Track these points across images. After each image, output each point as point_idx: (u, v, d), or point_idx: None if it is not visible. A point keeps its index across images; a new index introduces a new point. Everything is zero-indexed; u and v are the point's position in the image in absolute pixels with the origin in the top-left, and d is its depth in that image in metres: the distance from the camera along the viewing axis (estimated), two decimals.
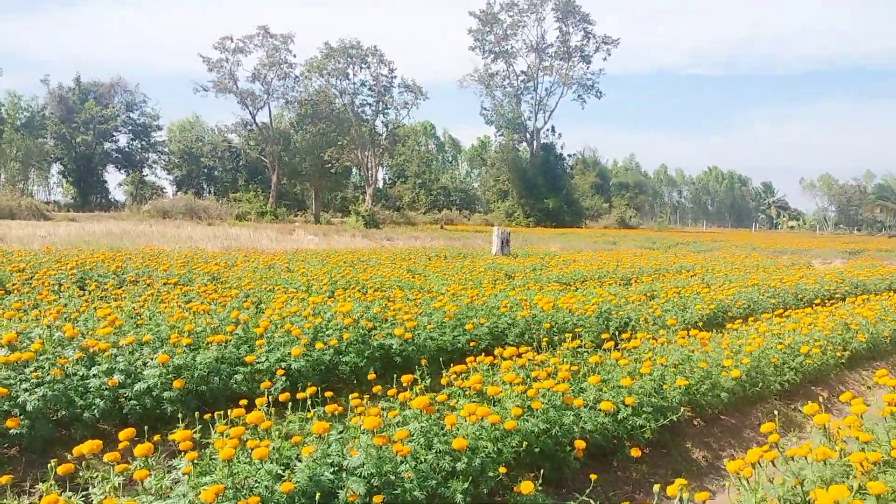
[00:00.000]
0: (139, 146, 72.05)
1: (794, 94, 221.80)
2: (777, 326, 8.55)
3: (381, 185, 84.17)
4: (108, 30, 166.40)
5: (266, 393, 4.68)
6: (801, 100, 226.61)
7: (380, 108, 61.53)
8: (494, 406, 4.59)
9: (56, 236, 22.74)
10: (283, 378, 5.53)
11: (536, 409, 4.50)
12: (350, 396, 4.71)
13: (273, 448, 3.82)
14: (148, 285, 10.01)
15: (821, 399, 8.59)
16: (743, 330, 8.54)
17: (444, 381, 5.26)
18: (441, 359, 7.00)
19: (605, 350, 6.48)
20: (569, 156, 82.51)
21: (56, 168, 74.78)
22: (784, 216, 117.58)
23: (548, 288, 12.83)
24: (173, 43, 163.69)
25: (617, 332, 9.23)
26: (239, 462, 3.59)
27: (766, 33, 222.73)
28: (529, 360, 5.47)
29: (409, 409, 4.37)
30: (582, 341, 6.94)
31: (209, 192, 72.68)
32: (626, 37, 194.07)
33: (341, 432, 4.13)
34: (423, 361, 6.18)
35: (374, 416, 3.97)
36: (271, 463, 3.62)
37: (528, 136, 76.29)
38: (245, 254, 18.10)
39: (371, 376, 5.68)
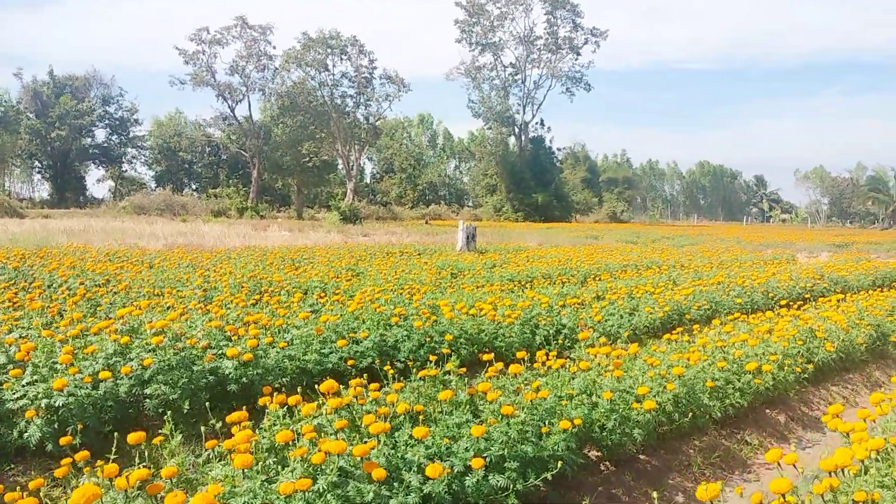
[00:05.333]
0: (117, 141, 70.39)
1: (789, 88, 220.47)
2: (724, 336, 7.17)
3: (368, 179, 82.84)
4: (84, 23, 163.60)
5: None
6: (795, 93, 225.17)
7: (361, 101, 60.09)
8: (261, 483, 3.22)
9: (6, 233, 21.60)
10: (40, 421, 4.16)
11: (324, 484, 3.12)
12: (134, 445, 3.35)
13: None
14: None
15: (781, 421, 7.35)
16: (684, 341, 7.17)
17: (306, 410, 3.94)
18: (306, 382, 5.71)
19: (500, 373, 5.13)
20: (558, 150, 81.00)
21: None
22: (776, 209, 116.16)
23: (490, 288, 11.49)
24: (151, 36, 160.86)
25: (546, 343, 7.93)
26: None
27: (761, 27, 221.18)
28: (354, 397, 4.09)
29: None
30: (459, 360, 5.47)
31: (190, 188, 71.20)
32: (622, 31, 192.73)
33: None
34: (268, 390, 4.83)
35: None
36: None
37: (516, 129, 74.70)
38: (184, 252, 16.76)
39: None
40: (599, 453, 5.02)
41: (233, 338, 5.90)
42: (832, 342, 7.82)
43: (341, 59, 58.87)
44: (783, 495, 2.88)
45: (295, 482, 3.05)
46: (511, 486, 3.77)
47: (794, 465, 3.47)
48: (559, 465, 3.98)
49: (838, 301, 10.58)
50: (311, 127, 57.48)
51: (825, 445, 6.10)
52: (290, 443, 3.49)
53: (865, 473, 3.32)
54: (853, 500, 2.92)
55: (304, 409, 3.89)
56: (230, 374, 5.24)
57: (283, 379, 5.70)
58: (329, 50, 58.02)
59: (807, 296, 12.14)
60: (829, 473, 3.15)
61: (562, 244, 27.66)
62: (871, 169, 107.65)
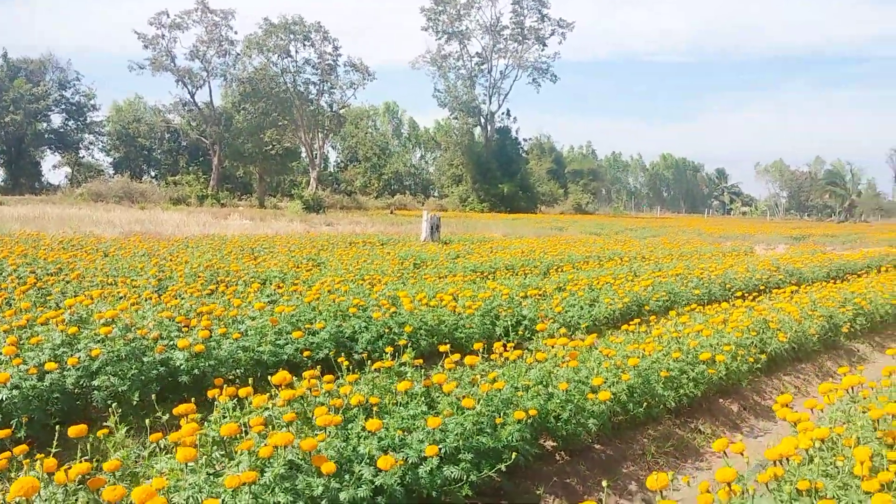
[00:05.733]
0: (74, 126, 68.73)
1: (755, 82, 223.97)
2: (680, 327, 7.25)
3: (332, 168, 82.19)
4: (40, 5, 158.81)
5: None
6: (760, 87, 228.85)
7: (324, 88, 59.54)
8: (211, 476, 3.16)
9: None
10: None
11: (271, 476, 3.07)
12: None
13: None
14: None
15: (734, 410, 7.46)
16: (641, 332, 7.23)
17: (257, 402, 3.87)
18: (260, 374, 5.63)
19: (457, 365, 5.11)
20: (524, 140, 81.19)
21: None
22: (737, 202, 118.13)
23: (453, 279, 11.48)
24: (110, 20, 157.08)
25: (505, 334, 7.94)
26: None
27: (732, 20, 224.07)
28: (307, 389, 4.03)
29: None
30: (415, 352, 5.43)
31: (149, 175, 69.87)
32: (590, 21, 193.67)
33: None
34: (220, 382, 4.75)
35: None
36: None
37: (482, 119, 74.65)
38: (141, 240, 16.44)
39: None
40: (555, 443, 5.04)
41: (184, 328, 5.80)
42: (785, 333, 7.96)
43: (304, 45, 58.26)
44: (728, 484, 2.92)
45: (241, 475, 2.99)
46: (465, 477, 3.76)
47: (743, 455, 3.51)
48: (514, 456, 3.98)
49: (792, 293, 10.77)
50: (273, 114, 56.80)
51: (776, 434, 6.21)
52: (238, 436, 3.43)
53: (810, 462, 3.37)
54: (796, 488, 2.96)
55: (254, 401, 3.83)
56: (181, 365, 5.14)
57: (237, 370, 5.61)
58: (292, 36, 57.34)
59: (762, 287, 12.35)
60: (775, 462, 3.20)
61: (526, 235, 27.78)
62: (828, 163, 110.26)
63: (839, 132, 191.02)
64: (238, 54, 57.26)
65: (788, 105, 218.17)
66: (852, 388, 4.51)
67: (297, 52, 58.72)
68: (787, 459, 3.30)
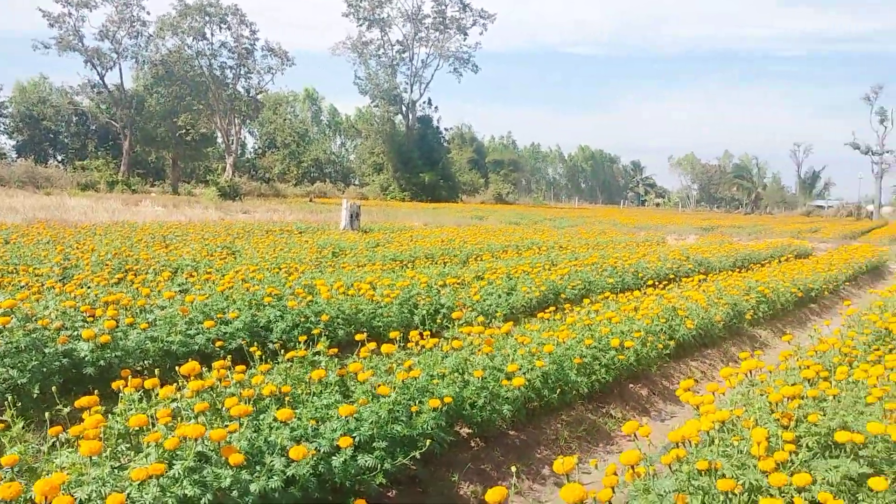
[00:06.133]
0: None
1: (669, 76, 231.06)
2: (593, 315, 7.45)
3: (249, 154, 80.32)
4: None
5: None
6: (674, 81, 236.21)
7: (241, 72, 58.02)
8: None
9: None
10: None
11: (180, 469, 2.99)
12: None
13: None
14: None
15: (644, 395, 7.72)
16: (556, 319, 7.39)
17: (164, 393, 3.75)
18: (170, 365, 5.46)
19: (374, 353, 5.09)
20: (446, 130, 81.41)
21: None
22: (651, 194, 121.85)
23: (372, 267, 11.43)
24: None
25: (423, 323, 7.97)
26: None
27: (647, 11, 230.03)
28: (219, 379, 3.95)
29: None
30: (330, 341, 5.38)
31: (55, 159, 66.54)
32: (510, 12, 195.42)
33: None
34: (127, 373, 4.57)
35: None
36: None
37: (403, 108, 74.37)
38: (45, 227, 15.68)
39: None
40: (470, 430, 5.10)
41: (89, 318, 5.57)
42: (693, 320, 8.28)
43: (220, 28, 56.53)
44: (632, 466, 3.02)
45: (148, 468, 2.91)
46: (379, 465, 3.76)
47: (649, 437, 3.64)
48: (428, 444, 4.01)
49: (700, 281, 11.21)
50: (187, 98, 54.96)
51: (682, 417, 6.46)
52: (145, 428, 3.33)
53: (711, 444, 3.52)
54: (696, 469, 3.10)
55: (161, 393, 3.72)
56: (86, 356, 4.94)
57: (146, 362, 5.45)
58: (207, 18, 55.54)
59: (673, 276, 12.79)
60: (678, 444, 3.33)
61: (447, 224, 27.92)
62: (737, 157, 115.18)
63: (747, 127, 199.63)
64: (151, 36, 55.08)
65: (700, 100, 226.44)
66: (751, 372, 4.74)
67: (212, 34, 56.98)
68: (690, 441, 3.44)
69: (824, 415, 3.96)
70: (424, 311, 8.05)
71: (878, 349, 6.18)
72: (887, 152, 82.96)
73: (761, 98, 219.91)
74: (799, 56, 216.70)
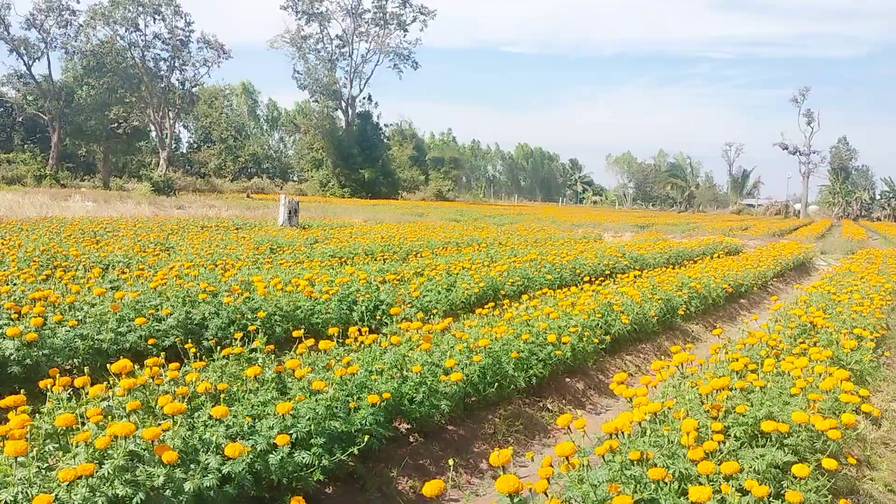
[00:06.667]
0: None
1: (602, 76, 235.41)
2: (531, 310, 7.55)
3: (184, 149, 78.46)
4: None
5: None
6: (608, 81, 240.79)
7: (176, 65, 56.61)
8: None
9: None
10: None
11: (110, 468, 2.91)
12: None
13: None
14: None
15: (580, 388, 7.87)
16: (494, 315, 7.46)
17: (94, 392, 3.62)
18: (101, 363, 5.31)
19: (312, 350, 5.05)
20: (386, 126, 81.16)
21: None
22: (589, 192, 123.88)
23: (310, 264, 11.33)
24: None
25: (362, 319, 7.94)
26: None
27: (579, 13, 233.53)
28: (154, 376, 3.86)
29: None
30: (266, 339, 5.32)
31: None
32: (448, 9, 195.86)
33: None
34: (55, 372, 4.42)
35: None
36: None
37: (343, 103, 73.81)
38: None
39: None
40: (409, 425, 5.11)
41: (14, 316, 5.37)
42: (628, 315, 8.46)
43: (154, 19, 55.05)
44: (567, 458, 3.09)
45: (77, 468, 2.83)
46: (317, 462, 3.74)
47: (584, 430, 3.72)
48: (367, 440, 4.01)
49: (635, 277, 11.47)
50: (119, 90, 53.34)
51: (617, 410, 6.61)
52: (75, 427, 3.23)
53: (643, 434, 3.62)
54: (629, 459, 3.18)
55: (91, 391, 3.62)
56: (11, 355, 4.77)
57: (75, 360, 5.30)
58: (141, 8, 54.00)
59: (609, 272, 13.04)
60: (611, 436, 3.42)
61: (387, 221, 27.86)
62: (671, 157, 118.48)
63: (681, 127, 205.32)
64: (81, 25, 53.22)
65: (635, 99, 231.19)
66: (682, 365, 4.88)
67: (146, 25, 55.45)
68: (623, 433, 3.53)
69: (752, 406, 4.11)
70: (364, 308, 8.02)
71: (803, 342, 6.46)
72: (814, 153, 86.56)
73: (692, 99, 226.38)
74: (728, 59, 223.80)
